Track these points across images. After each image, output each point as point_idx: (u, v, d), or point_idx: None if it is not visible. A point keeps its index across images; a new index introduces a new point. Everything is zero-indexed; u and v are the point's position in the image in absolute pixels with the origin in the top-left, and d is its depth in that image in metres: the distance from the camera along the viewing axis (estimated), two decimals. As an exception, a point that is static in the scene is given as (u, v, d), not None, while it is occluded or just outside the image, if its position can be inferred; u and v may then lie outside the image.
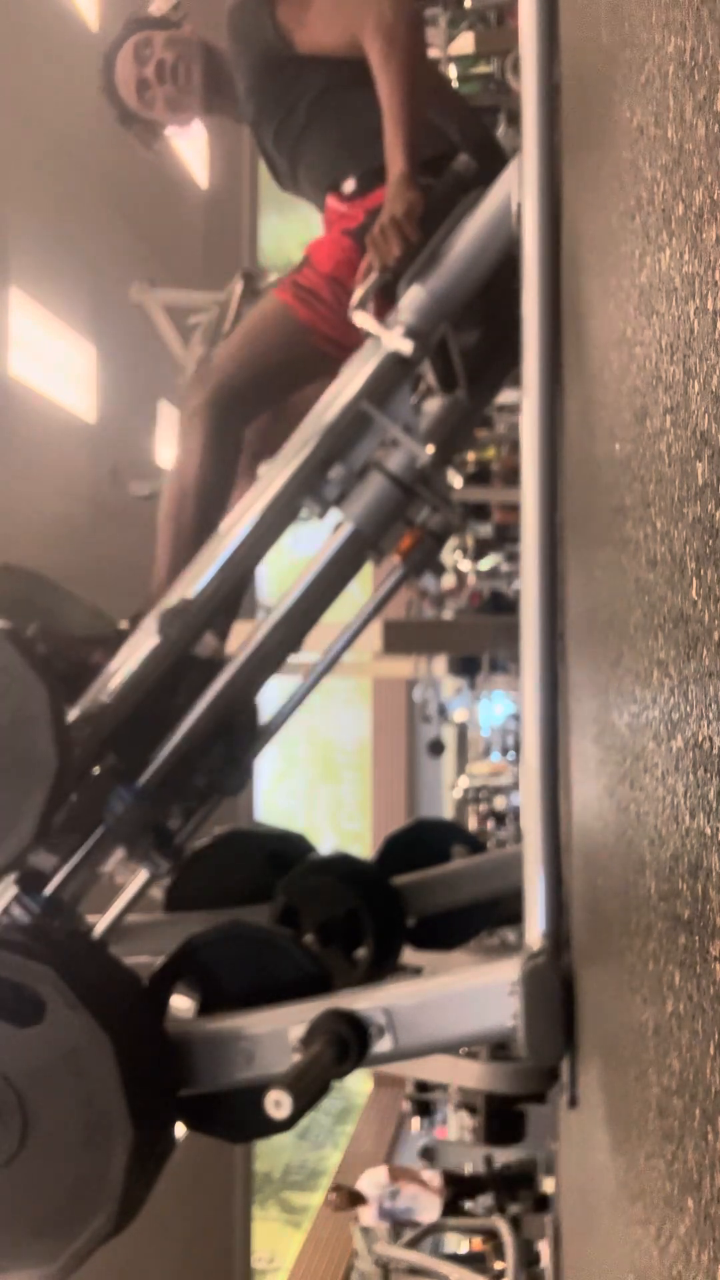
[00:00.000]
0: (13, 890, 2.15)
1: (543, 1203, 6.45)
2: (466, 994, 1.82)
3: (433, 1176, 7.51)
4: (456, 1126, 9.29)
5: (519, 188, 2.00)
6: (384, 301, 2.19)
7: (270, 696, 2.63)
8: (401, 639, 12.50)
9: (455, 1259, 7.56)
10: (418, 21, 2.25)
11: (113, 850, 2.26)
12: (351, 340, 2.29)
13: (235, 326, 2.36)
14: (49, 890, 2.17)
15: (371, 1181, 7.55)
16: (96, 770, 2.20)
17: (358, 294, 2.16)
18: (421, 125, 2.17)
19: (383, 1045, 1.82)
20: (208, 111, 2.54)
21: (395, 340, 2.14)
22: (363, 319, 2.15)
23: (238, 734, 2.38)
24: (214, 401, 2.31)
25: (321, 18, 2.26)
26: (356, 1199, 7.54)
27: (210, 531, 2.31)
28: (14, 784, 1.94)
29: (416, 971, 2.86)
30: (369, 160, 2.25)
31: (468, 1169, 7.69)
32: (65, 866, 2.20)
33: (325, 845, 3.10)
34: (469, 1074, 3.99)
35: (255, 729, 2.51)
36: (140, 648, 2.23)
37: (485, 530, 14.10)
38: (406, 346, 2.14)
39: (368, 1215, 7.39)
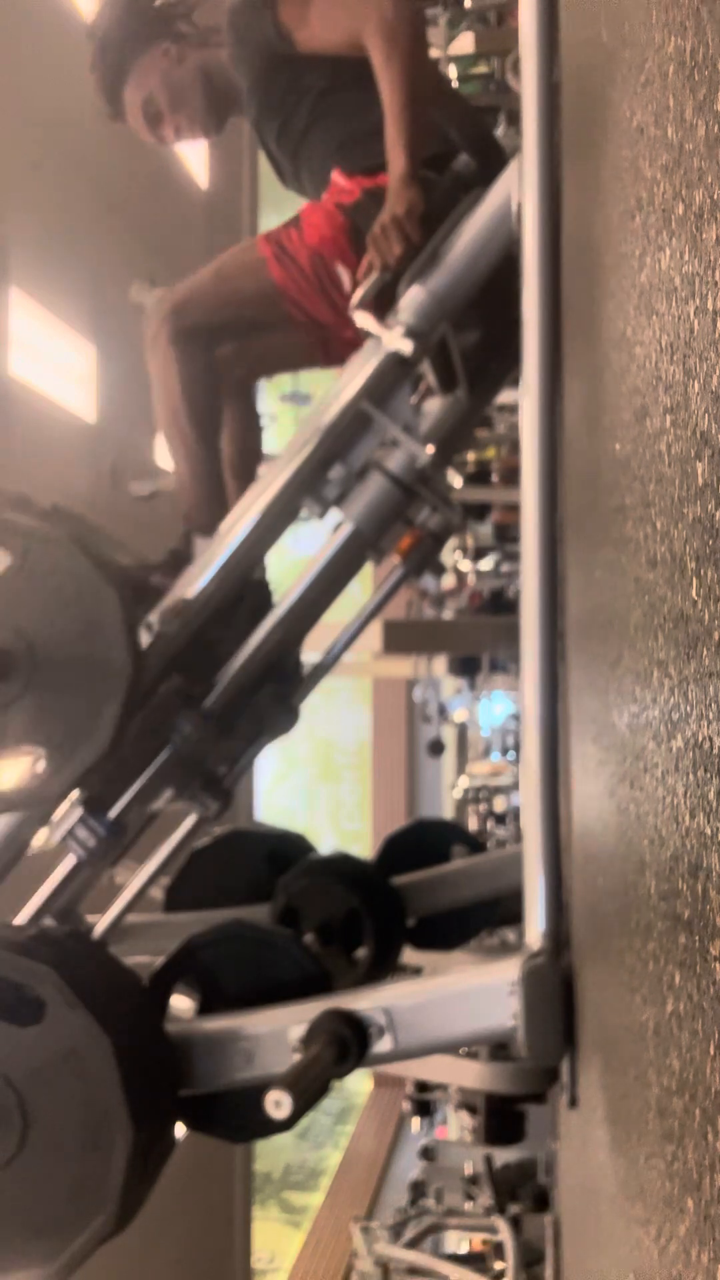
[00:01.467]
0: (77, 813, 2.12)
1: (543, 1202, 6.44)
2: (466, 994, 1.82)
3: None
4: (456, 1126, 9.28)
5: (519, 188, 2.00)
6: (384, 301, 2.19)
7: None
8: (401, 639, 12.49)
9: (455, 1259, 7.53)
10: (419, 21, 2.24)
11: (171, 781, 2.23)
12: (319, 313, 2.32)
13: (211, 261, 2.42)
14: (113, 814, 2.14)
15: None
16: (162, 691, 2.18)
17: (359, 293, 2.16)
18: (423, 125, 2.17)
19: (383, 1045, 1.82)
20: (218, 130, 2.58)
21: (395, 340, 2.14)
22: (363, 319, 2.15)
23: (286, 673, 2.39)
24: (174, 323, 2.36)
25: (323, 17, 2.26)
26: None
27: (214, 433, 2.35)
28: (89, 690, 1.90)
29: (416, 971, 2.86)
30: (371, 160, 2.25)
31: (468, 1169, 7.66)
32: (129, 790, 2.16)
33: (325, 845, 3.10)
34: (469, 1074, 3.98)
35: (300, 673, 2.55)
36: (205, 567, 2.23)
37: (486, 533, 14.04)
38: (406, 346, 2.14)
39: None
